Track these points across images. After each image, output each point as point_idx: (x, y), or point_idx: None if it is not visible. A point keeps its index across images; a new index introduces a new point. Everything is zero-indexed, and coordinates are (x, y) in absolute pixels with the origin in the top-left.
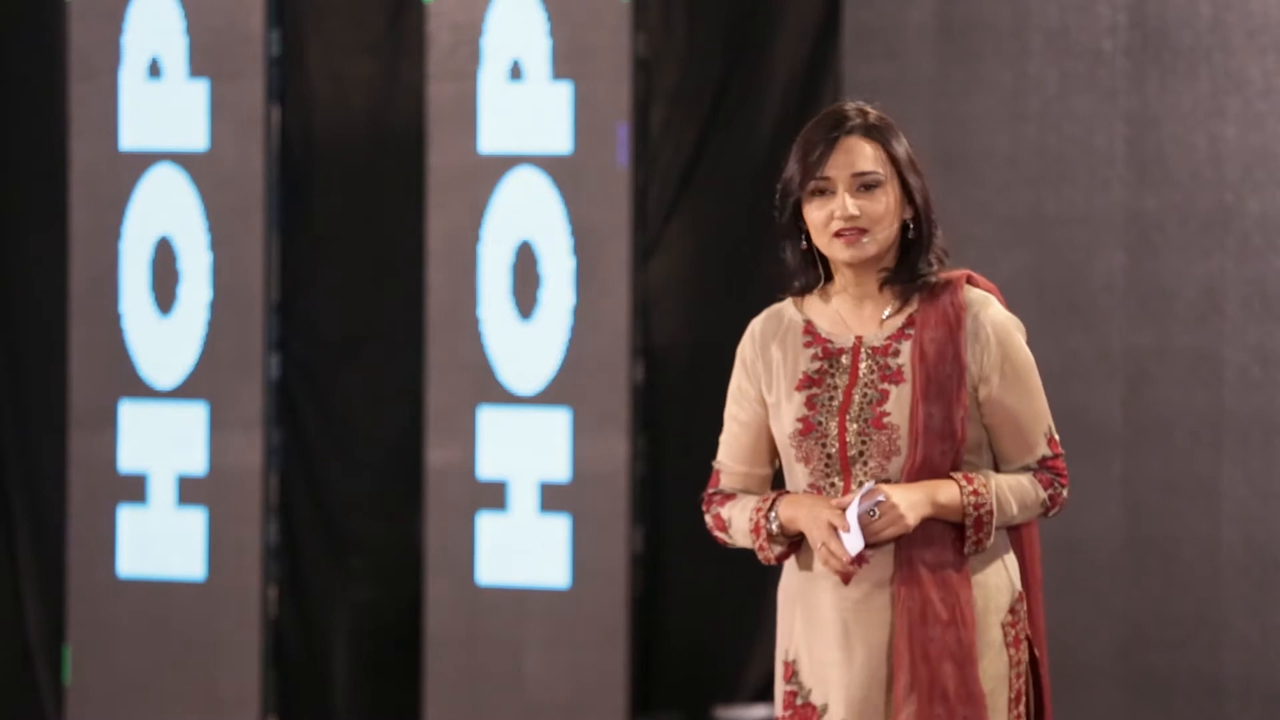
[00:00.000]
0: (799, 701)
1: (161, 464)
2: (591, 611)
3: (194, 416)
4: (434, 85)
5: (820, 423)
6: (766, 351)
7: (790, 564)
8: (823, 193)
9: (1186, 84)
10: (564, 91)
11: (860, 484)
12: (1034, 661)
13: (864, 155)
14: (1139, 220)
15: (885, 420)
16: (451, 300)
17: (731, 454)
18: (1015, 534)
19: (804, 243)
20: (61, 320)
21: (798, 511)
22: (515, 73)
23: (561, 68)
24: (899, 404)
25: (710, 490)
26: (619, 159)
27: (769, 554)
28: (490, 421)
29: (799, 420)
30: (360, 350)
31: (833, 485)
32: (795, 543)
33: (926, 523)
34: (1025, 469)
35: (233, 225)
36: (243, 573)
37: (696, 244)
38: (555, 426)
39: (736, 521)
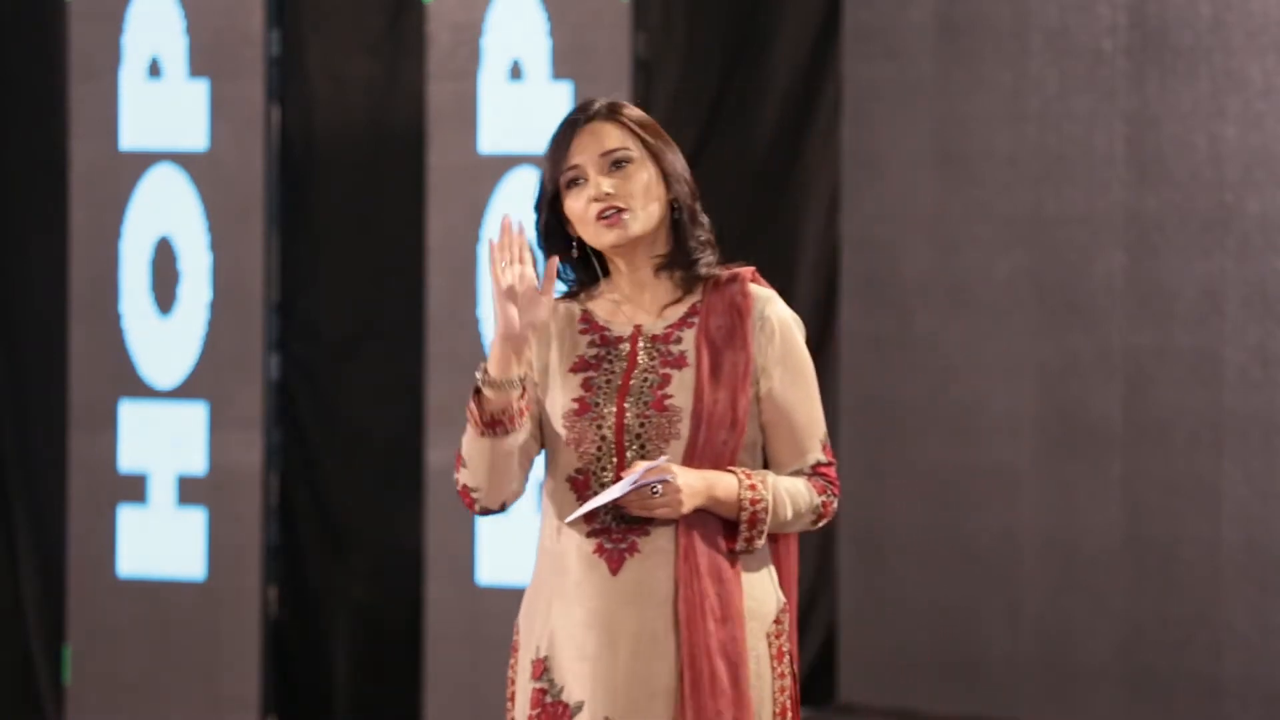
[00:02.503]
0: (548, 700)
1: (161, 464)
2: None
3: (194, 416)
4: (434, 85)
5: (597, 404)
6: (543, 337)
7: (542, 562)
8: (576, 182)
9: (1186, 84)
10: (564, 91)
11: (638, 461)
12: (794, 679)
13: (609, 135)
14: (1139, 220)
15: (667, 403)
16: (451, 300)
17: None
18: (774, 549)
19: (575, 248)
20: (61, 320)
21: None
22: (515, 73)
23: (561, 68)
24: (682, 387)
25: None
26: None
27: (490, 405)
28: None
29: (574, 401)
30: (360, 350)
31: (604, 469)
32: (506, 397)
33: (705, 517)
34: (798, 473)
35: (233, 225)
36: (243, 573)
37: None
38: None
39: (465, 438)
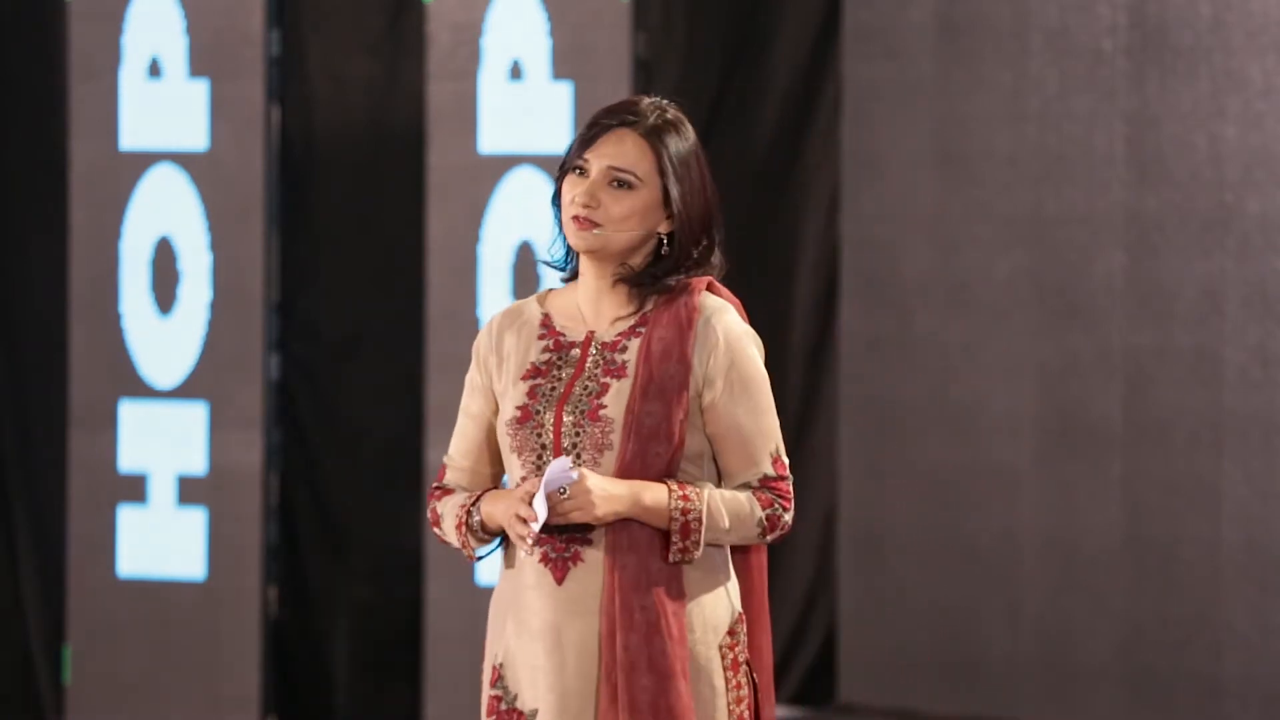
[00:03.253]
0: (504, 706)
1: (161, 464)
2: None
3: (194, 416)
4: (434, 85)
5: (538, 412)
6: (501, 345)
7: (504, 566)
8: (581, 172)
9: (1186, 84)
10: (564, 91)
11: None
12: (756, 689)
13: (629, 151)
14: (1139, 220)
15: (601, 413)
16: (451, 300)
17: (459, 449)
18: (743, 559)
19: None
20: (61, 320)
21: (496, 506)
22: (515, 73)
23: (561, 68)
24: (617, 398)
25: (434, 484)
26: None
27: (471, 551)
28: None
29: (518, 408)
30: (360, 350)
31: None
32: (503, 542)
33: (634, 527)
34: (746, 486)
35: (233, 225)
36: (243, 573)
37: None
38: None
39: (446, 518)
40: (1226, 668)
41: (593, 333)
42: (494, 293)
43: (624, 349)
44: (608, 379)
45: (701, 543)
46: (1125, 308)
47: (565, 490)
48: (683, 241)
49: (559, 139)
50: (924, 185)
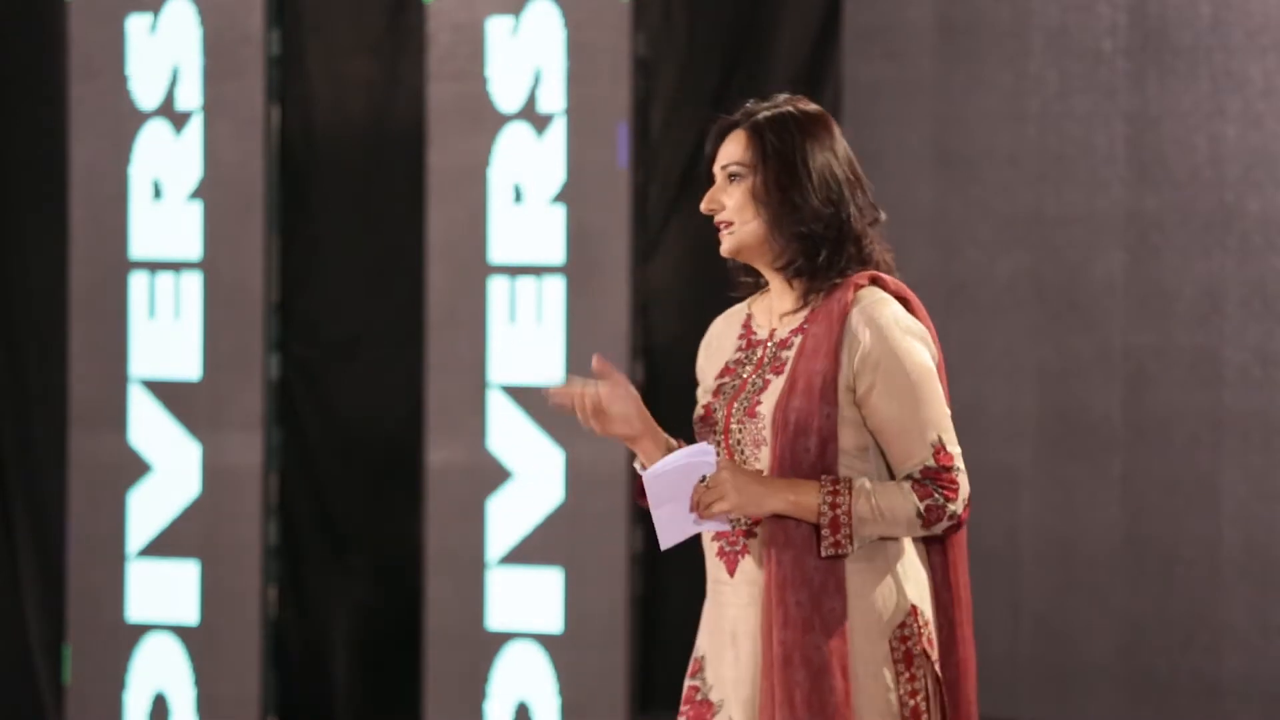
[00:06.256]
0: (699, 697)
1: (162, 464)
2: (592, 611)
3: (194, 416)
4: (434, 85)
5: (716, 409)
6: (711, 345)
7: (708, 565)
8: (712, 183)
9: (1186, 84)
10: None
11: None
12: (945, 684)
13: (734, 147)
14: (1139, 220)
15: (758, 410)
16: (451, 300)
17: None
18: (941, 555)
19: None
20: (62, 320)
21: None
22: None
23: None
24: (771, 395)
25: None
26: (619, 159)
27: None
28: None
29: (703, 406)
30: (360, 350)
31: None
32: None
33: (790, 523)
34: (908, 478)
35: (233, 225)
36: (243, 573)
37: (696, 244)
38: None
39: None
40: (1226, 668)
41: (774, 331)
42: (495, 293)
43: (790, 346)
44: (770, 376)
45: (854, 537)
46: (1125, 308)
47: (705, 478)
48: (789, 221)
49: (558, 141)
50: (924, 185)
